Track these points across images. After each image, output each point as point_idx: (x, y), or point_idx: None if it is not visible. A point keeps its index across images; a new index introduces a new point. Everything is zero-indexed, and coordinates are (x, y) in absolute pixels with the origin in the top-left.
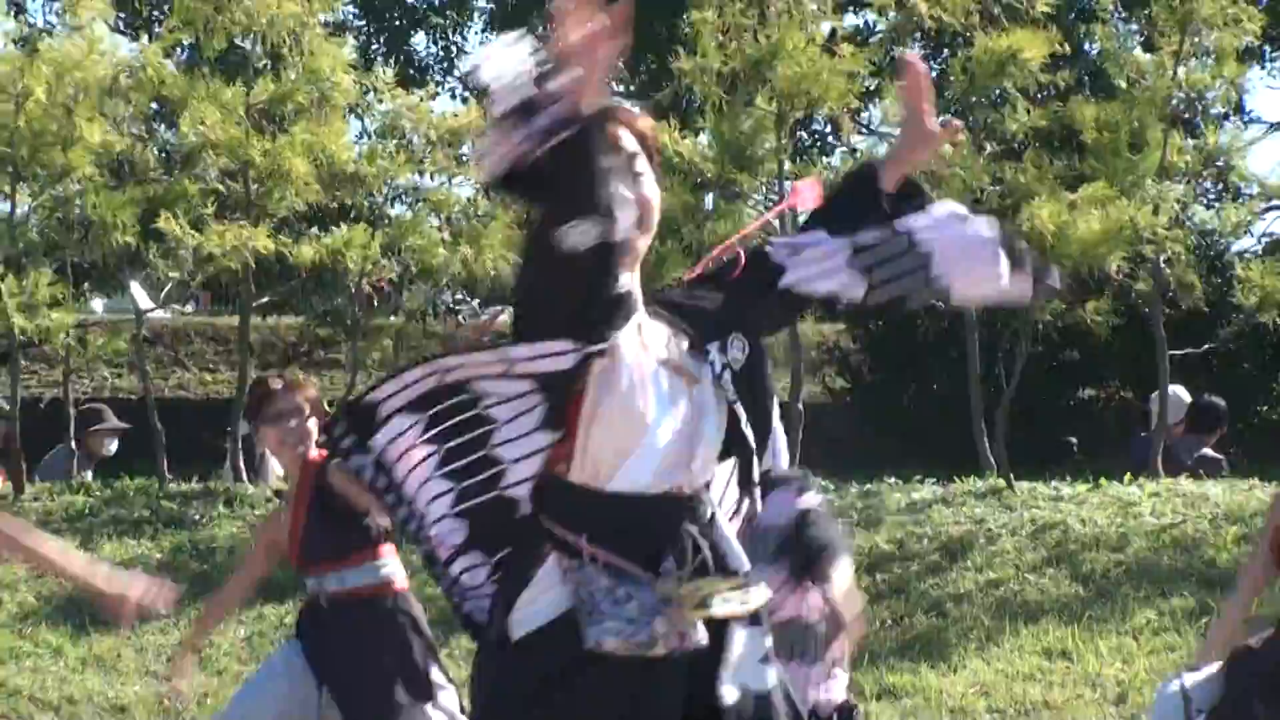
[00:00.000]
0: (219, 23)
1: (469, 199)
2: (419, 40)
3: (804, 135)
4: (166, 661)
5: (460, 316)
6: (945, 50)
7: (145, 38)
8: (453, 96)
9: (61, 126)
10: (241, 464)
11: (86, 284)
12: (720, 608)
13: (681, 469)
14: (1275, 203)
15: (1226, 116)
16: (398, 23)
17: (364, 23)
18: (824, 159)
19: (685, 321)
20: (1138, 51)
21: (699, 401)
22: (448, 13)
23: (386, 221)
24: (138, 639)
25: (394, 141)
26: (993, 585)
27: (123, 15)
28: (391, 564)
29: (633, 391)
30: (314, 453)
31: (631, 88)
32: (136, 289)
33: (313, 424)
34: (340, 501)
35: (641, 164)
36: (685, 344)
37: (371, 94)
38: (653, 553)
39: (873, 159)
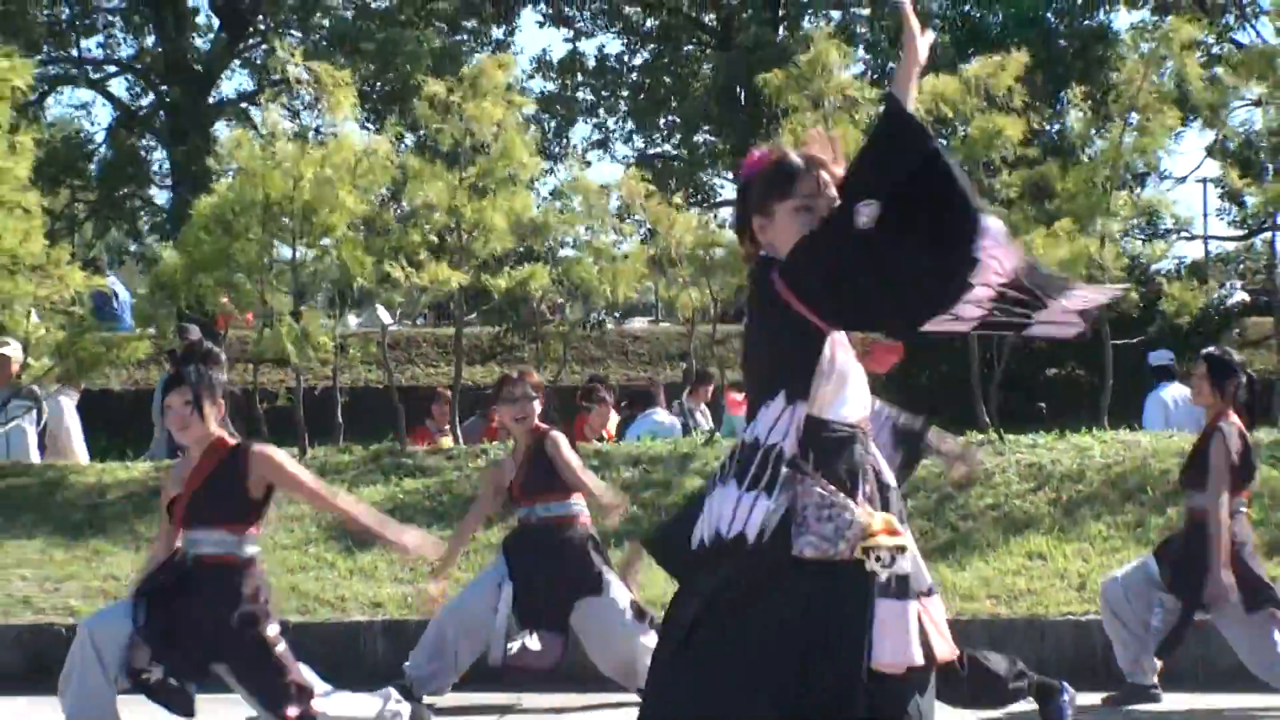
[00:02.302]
0: (447, 123)
1: (611, 244)
2: (580, 130)
3: None
4: (410, 570)
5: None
6: (948, 129)
7: (382, 130)
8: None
9: (325, 197)
10: (458, 431)
11: (346, 306)
12: (886, 543)
13: (863, 407)
14: (1185, 231)
15: (1148, 176)
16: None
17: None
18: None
19: None
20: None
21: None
22: (599, 110)
23: (556, 260)
24: (388, 555)
25: (560, 203)
26: (991, 508)
27: (366, 115)
28: (579, 504)
29: (838, 350)
30: (535, 422)
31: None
32: (380, 310)
33: (537, 404)
34: (550, 458)
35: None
36: None
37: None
38: (850, 474)
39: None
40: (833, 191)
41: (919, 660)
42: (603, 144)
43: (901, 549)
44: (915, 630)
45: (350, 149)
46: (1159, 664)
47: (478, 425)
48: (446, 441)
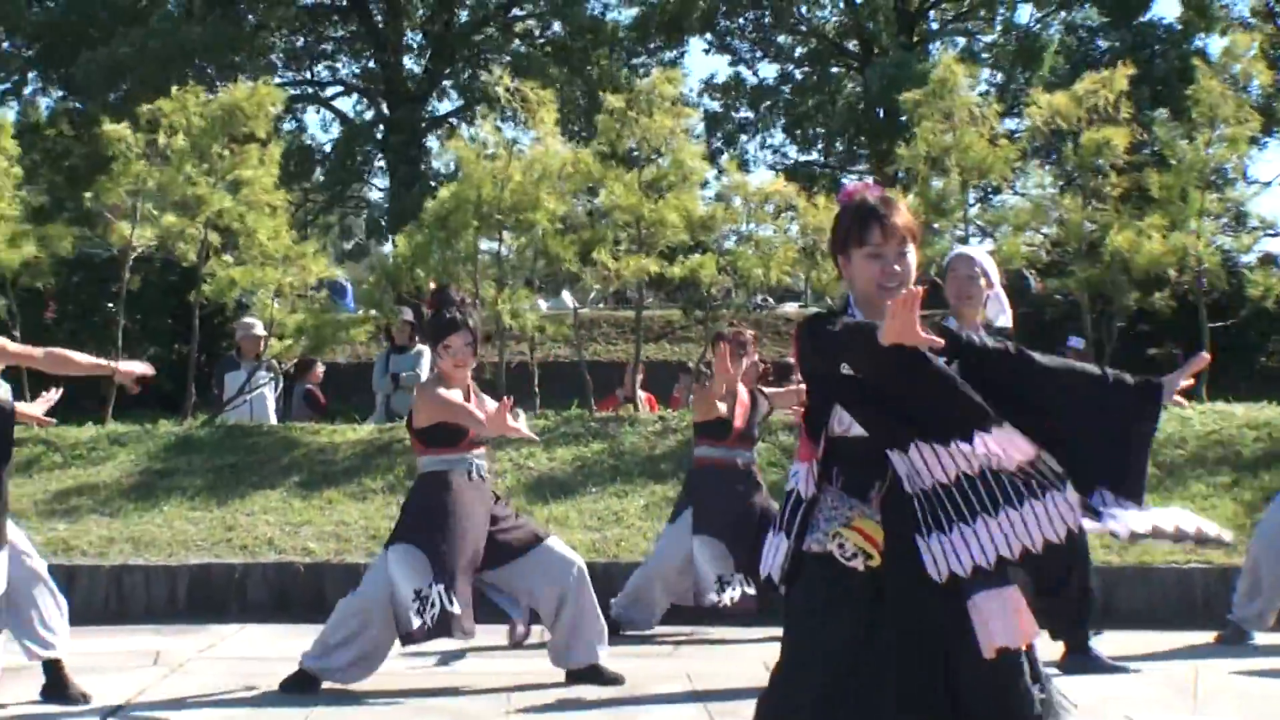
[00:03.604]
0: (625, 134)
1: (767, 238)
2: (740, 141)
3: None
4: (598, 519)
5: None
6: (1062, 139)
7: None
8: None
9: (530, 198)
10: (638, 397)
11: (538, 293)
12: (853, 538)
13: None
14: (1271, 229)
15: (1235, 180)
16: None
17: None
18: (991, 210)
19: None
20: (1183, 141)
21: None
22: (757, 124)
23: (722, 252)
24: (579, 505)
25: (724, 204)
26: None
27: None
28: (751, 452)
29: None
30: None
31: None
32: (566, 295)
33: (744, 359)
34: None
35: (910, 249)
36: None
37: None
38: (864, 481)
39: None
40: (904, 242)
41: (1033, 637)
42: (760, 154)
43: (868, 554)
44: (1018, 612)
45: (552, 157)
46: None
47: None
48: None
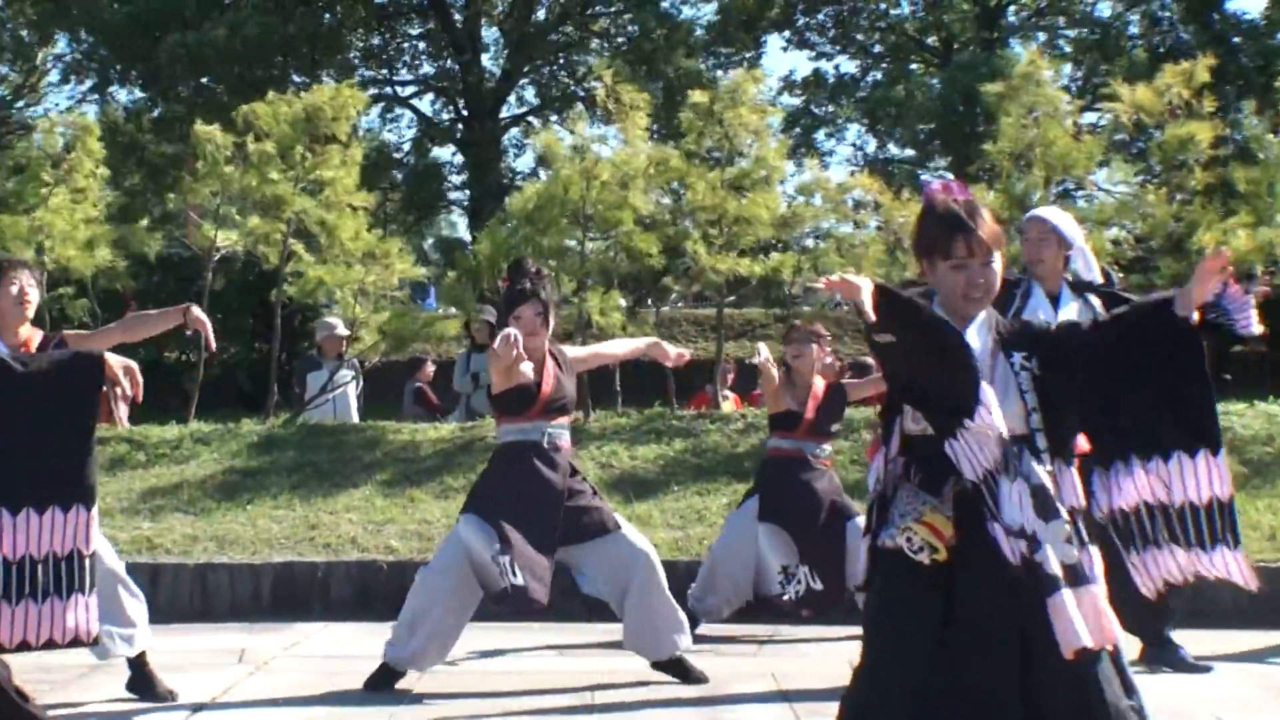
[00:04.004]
0: (708, 132)
1: (849, 235)
2: (820, 138)
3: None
4: (680, 518)
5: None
6: (1146, 134)
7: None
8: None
9: (616, 196)
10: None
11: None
12: (920, 531)
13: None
14: None
15: None
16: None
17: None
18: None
19: (1014, 335)
20: (1270, 136)
21: None
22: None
23: (804, 250)
24: (661, 504)
25: (805, 200)
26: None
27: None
28: (822, 444)
29: None
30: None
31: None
32: (822, 279)
33: (814, 348)
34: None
35: (995, 259)
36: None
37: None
38: (941, 480)
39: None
40: (989, 253)
41: (1115, 639)
42: (839, 149)
43: (934, 548)
44: (1100, 612)
45: (641, 157)
46: None
47: None
48: (729, 406)
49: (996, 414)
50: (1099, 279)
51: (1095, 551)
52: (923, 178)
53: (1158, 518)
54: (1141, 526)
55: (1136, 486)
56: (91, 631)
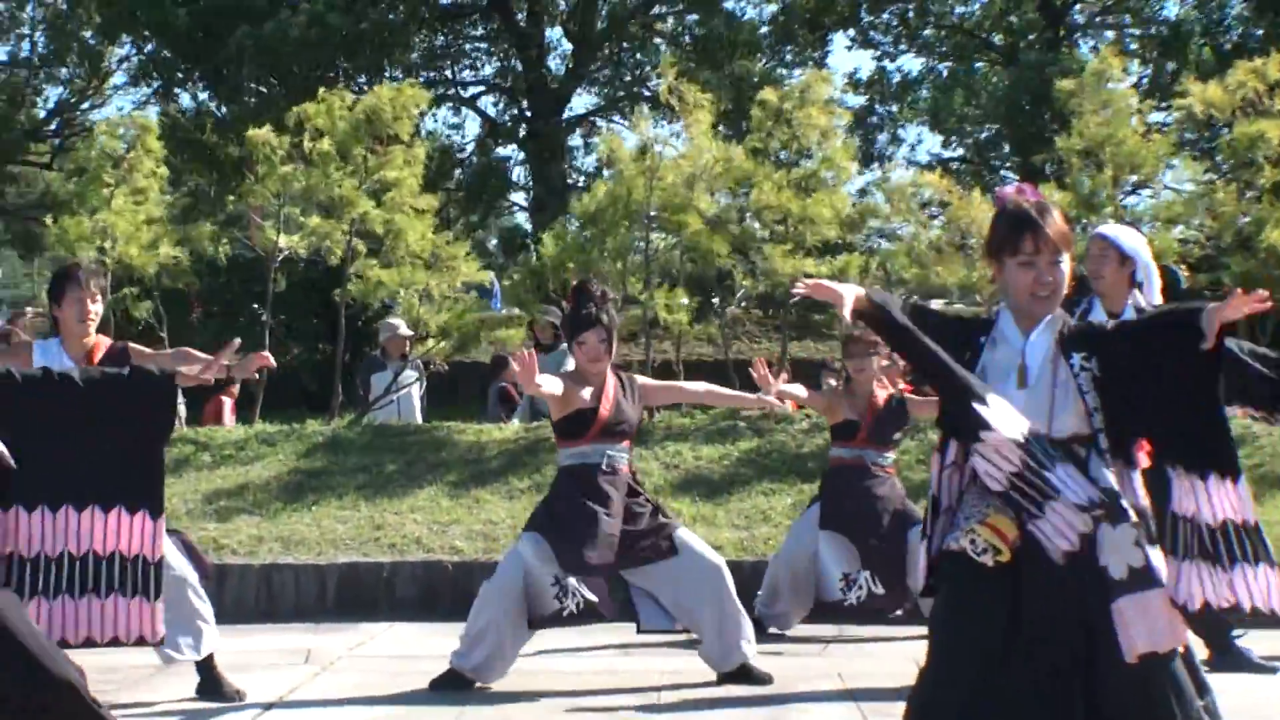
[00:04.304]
0: (777, 131)
1: (915, 235)
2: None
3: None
4: (745, 518)
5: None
6: (1215, 132)
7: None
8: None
9: (681, 196)
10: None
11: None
12: (984, 534)
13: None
14: None
15: None
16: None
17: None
18: (1140, 205)
19: (1075, 336)
20: None
21: (1035, 383)
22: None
23: (873, 250)
24: (726, 504)
25: (869, 200)
26: (1256, 466)
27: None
28: (883, 452)
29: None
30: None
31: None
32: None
33: (875, 359)
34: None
35: (1063, 258)
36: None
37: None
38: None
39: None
40: (1057, 252)
41: (1180, 642)
42: (904, 150)
43: (997, 549)
44: (1166, 616)
45: (706, 157)
46: None
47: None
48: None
49: (1009, 424)
50: (1156, 300)
51: (1159, 554)
52: (998, 189)
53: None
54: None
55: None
56: (158, 632)
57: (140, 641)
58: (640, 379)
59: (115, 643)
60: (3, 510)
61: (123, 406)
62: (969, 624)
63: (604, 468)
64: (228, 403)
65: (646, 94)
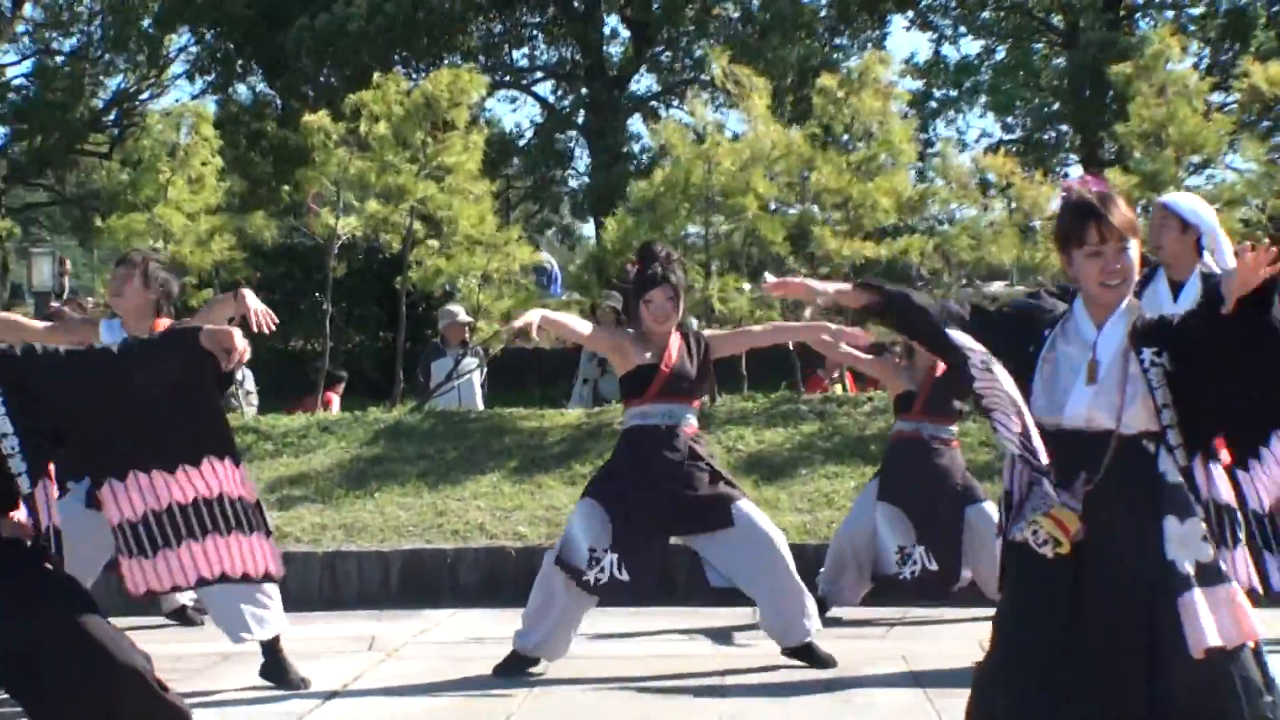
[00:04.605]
0: (838, 116)
1: (975, 218)
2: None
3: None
4: (808, 501)
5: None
6: (1277, 112)
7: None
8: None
9: (738, 181)
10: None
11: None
12: (1046, 525)
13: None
14: None
15: None
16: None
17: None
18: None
19: (1147, 329)
20: None
21: (1104, 378)
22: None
23: (933, 233)
24: (790, 488)
25: (926, 184)
26: None
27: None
28: (941, 426)
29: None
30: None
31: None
32: (768, 275)
33: None
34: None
35: (1130, 245)
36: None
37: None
38: (1073, 476)
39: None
40: (1123, 239)
41: (1251, 637)
42: (963, 132)
43: (1057, 541)
44: (1235, 611)
45: (764, 141)
46: None
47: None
48: (837, 388)
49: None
50: (1230, 263)
51: (1240, 550)
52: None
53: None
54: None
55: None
56: (280, 570)
57: (266, 578)
58: (709, 333)
59: (245, 579)
60: (96, 488)
61: (164, 367)
62: (1031, 615)
63: (663, 428)
64: (335, 399)
65: (705, 78)
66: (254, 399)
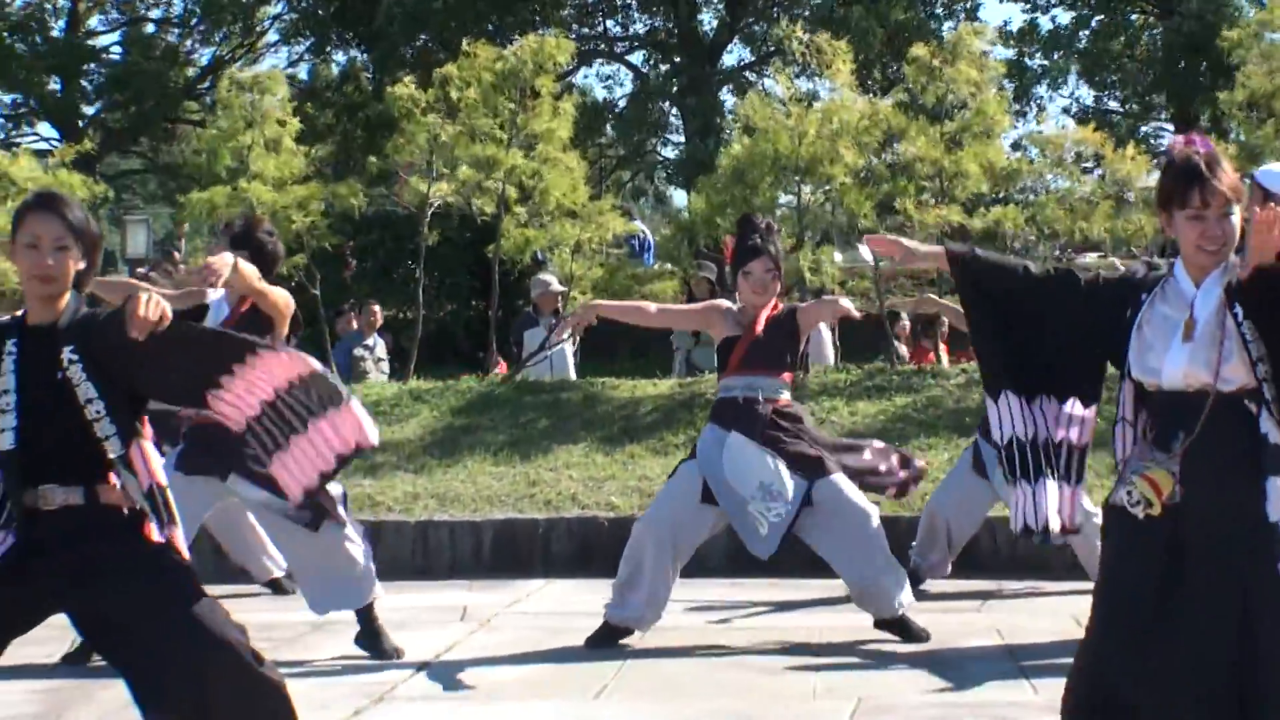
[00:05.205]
0: (931, 86)
1: (1068, 188)
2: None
3: None
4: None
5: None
6: None
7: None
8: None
9: (827, 151)
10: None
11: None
12: (1141, 486)
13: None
14: None
15: None
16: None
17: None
18: None
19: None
20: None
21: (1201, 335)
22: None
23: (1028, 203)
24: None
25: (1025, 154)
26: None
27: (862, 78)
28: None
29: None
30: None
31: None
32: (863, 248)
33: None
34: None
35: (1233, 211)
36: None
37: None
38: (1171, 436)
39: None
40: (1227, 204)
41: None
42: (1057, 101)
43: (1149, 501)
44: None
45: (849, 110)
46: None
47: None
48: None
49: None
50: None
51: None
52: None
53: None
54: None
55: None
56: (372, 436)
57: (357, 450)
58: (800, 305)
59: (343, 462)
60: (205, 405)
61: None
62: (1125, 579)
63: (741, 400)
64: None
65: (790, 50)
66: (385, 366)
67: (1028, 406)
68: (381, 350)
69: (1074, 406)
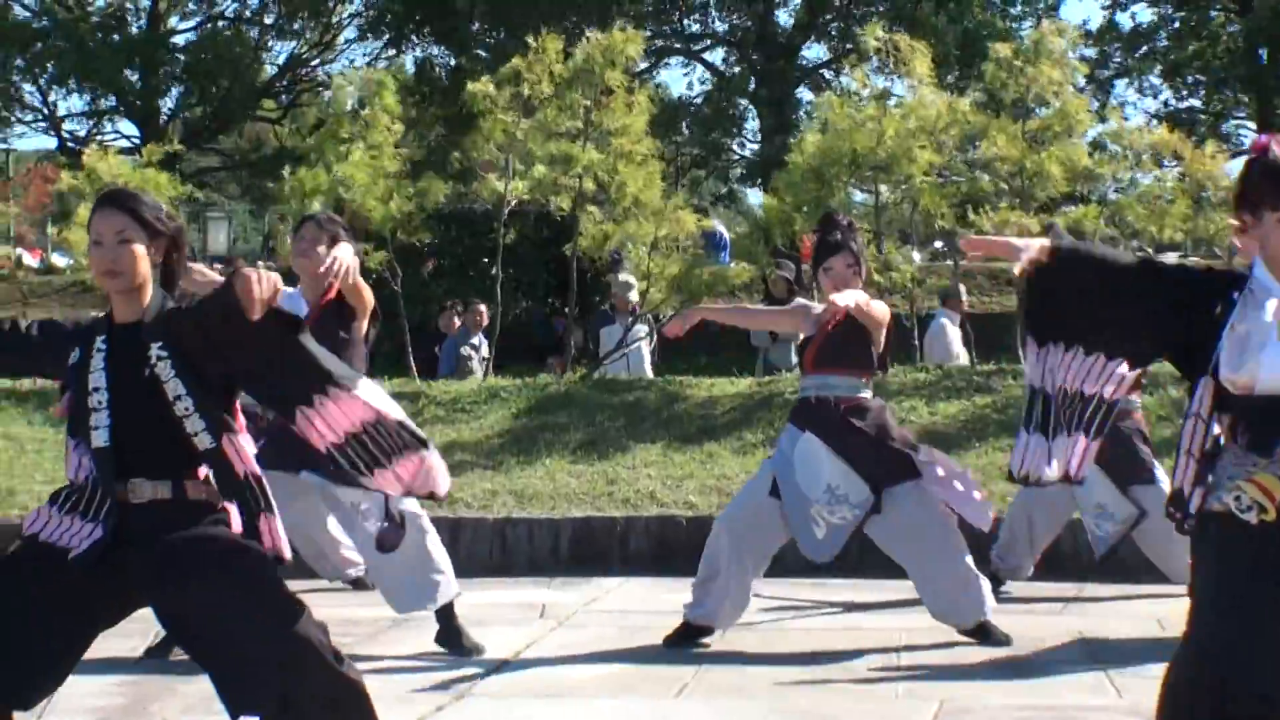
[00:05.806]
0: (1015, 85)
1: (1150, 187)
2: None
3: None
4: (983, 475)
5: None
6: None
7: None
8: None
9: (907, 150)
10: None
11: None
12: (1250, 490)
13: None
14: None
15: None
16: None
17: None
18: None
19: None
20: None
21: None
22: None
23: (1107, 203)
24: (963, 460)
25: (1105, 153)
26: None
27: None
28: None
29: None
30: None
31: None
32: (915, 254)
33: None
34: None
35: None
36: None
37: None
38: (1270, 439)
39: None
40: None
41: None
42: (1138, 100)
43: (1263, 507)
44: None
45: (927, 108)
46: None
47: None
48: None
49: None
50: None
51: None
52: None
53: None
54: None
55: None
56: (442, 484)
57: (431, 496)
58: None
59: (433, 496)
60: (291, 420)
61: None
62: (1231, 585)
63: (813, 400)
64: None
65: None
66: (489, 365)
67: (1074, 358)
68: (486, 350)
69: (1122, 365)
